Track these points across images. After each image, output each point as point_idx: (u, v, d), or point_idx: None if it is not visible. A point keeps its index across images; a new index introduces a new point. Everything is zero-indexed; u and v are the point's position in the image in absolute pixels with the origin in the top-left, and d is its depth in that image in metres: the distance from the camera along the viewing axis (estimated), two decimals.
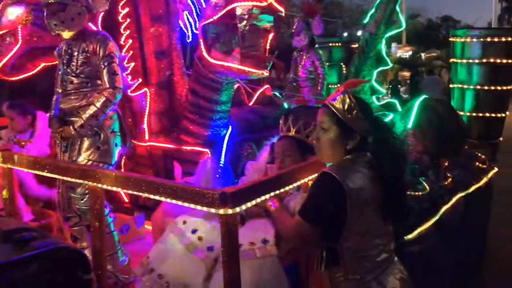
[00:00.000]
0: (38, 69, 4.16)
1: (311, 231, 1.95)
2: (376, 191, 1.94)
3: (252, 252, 2.26)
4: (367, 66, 5.82)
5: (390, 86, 15.28)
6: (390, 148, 2.01)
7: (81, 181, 2.51)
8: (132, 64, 4.19)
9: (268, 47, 3.88)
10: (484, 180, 4.37)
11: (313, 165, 2.29)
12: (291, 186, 2.27)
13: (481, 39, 4.99)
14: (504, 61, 4.95)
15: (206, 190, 1.96)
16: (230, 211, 1.89)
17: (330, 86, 7.08)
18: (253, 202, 2.03)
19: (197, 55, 3.89)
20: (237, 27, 3.60)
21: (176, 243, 2.48)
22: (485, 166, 4.55)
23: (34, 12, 3.87)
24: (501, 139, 5.31)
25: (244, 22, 3.57)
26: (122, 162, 4.31)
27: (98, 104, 3.05)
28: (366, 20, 5.87)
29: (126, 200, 4.39)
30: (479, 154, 4.71)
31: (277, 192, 2.17)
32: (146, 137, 4.30)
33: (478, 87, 5.07)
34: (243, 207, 1.97)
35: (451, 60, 5.39)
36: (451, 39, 5.30)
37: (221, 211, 1.89)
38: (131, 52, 4.19)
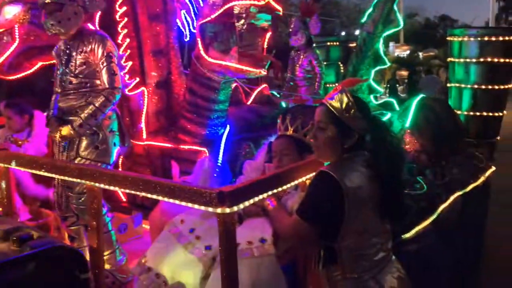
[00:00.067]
0: (35, 68, 4.14)
1: (308, 230, 1.96)
2: (373, 190, 1.94)
3: (249, 251, 2.25)
4: (365, 65, 5.83)
5: (388, 85, 15.30)
6: (387, 147, 2.01)
7: (78, 180, 2.51)
8: (130, 63, 4.19)
9: (265, 46, 3.88)
10: (482, 179, 4.37)
11: (311, 164, 2.29)
12: (289, 185, 2.27)
13: (479, 38, 5.00)
14: (502, 60, 4.96)
15: (203, 189, 1.96)
16: (227, 210, 1.89)
17: (327, 85, 7.08)
18: (251, 201, 2.03)
19: (195, 54, 3.89)
20: (234, 26, 3.60)
21: (174, 242, 2.48)
22: (482, 165, 4.55)
23: (32, 11, 3.85)
24: (498, 138, 5.32)
25: (242, 21, 3.57)
26: (120, 161, 4.30)
27: (97, 104, 3.05)
28: (364, 19, 5.88)
29: (124, 200, 4.38)
30: (477, 153, 4.72)
31: (275, 191, 2.17)
32: (144, 136, 4.29)
33: (476, 86, 5.08)
34: (241, 206, 1.97)
35: (449, 59, 5.40)
36: (448, 38, 5.31)
37: (219, 210, 1.89)
38: (128, 51, 4.18)
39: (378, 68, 6.00)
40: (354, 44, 6.80)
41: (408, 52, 24.57)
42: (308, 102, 5.64)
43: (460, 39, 5.12)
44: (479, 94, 5.09)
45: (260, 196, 2.08)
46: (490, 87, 5.05)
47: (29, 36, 4.00)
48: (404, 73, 17.79)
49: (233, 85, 4.31)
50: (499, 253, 4.72)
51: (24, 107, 4.23)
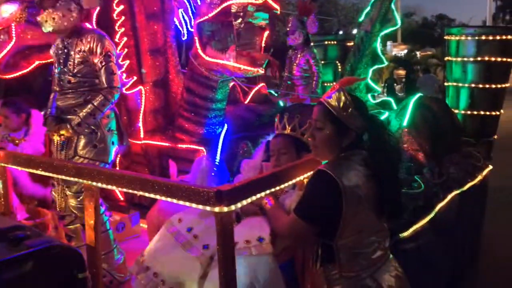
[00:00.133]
0: (32, 67, 4.13)
1: (306, 228, 1.96)
2: (371, 189, 1.94)
3: (247, 250, 2.25)
4: (363, 64, 5.83)
5: (386, 85, 15.33)
6: (385, 146, 2.01)
7: (76, 179, 2.50)
8: (127, 62, 4.18)
9: (263, 45, 3.87)
10: (479, 177, 4.39)
11: (309, 163, 2.29)
12: (286, 184, 2.27)
13: (476, 38, 5.01)
14: (499, 59, 4.98)
15: (201, 188, 1.96)
16: (225, 209, 1.89)
17: (325, 84, 7.09)
18: (249, 200, 2.02)
19: (192, 53, 3.88)
20: (232, 24, 3.60)
21: (172, 241, 2.47)
22: (479, 164, 4.57)
23: (28, 9, 3.84)
24: (495, 137, 5.34)
25: (239, 20, 3.56)
26: (117, 160, 4.30)
27: (96, 103, 3.04)
28: (361, 18, 5.88)
29: (121, 199, 4.38)
30: (474, 152, 4.73)
31: (273, 190, 2.17)
32: (141, 135, 4.28)
33: (473, 85, 5.10)
34: (239, 205, 1.97)
35: (446, 58, 5.41)
36: (446, 37, 5.32)
37: (217, 209, 1.89)
38: (126, 50, 4.18)
39: (376, 67, 5.99)
40: (351, 43, 6.81)
41: (405, 51, 24.63)
42: (305, 101, 5.64)
43: (457, 38, 5.13)
44: (476, 93, 5.11)
45: (258, 195, 2.08)
46: (487, 86, 5.07)
47: (26, 35, 3.99)
48: (402, 72, 17.82)
49: (231, 84, 4.30)
50: (496, 251, 4.73)
51: (21, 106, 4.22)
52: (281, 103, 5.30)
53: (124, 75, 4.15)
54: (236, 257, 1.98)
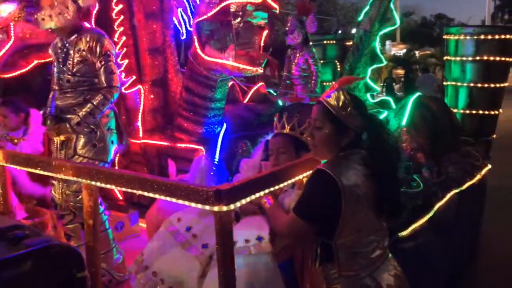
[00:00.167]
0: (31, 66, 4.13)
1: (305, 228, 1.96)
2: (370, 188, 1.94)
3: (246, 249, 2.25)
4: (362, 63, 5.83)
5: (385, 84, 15.33)
6: (384, 145, 2.01)
7: (75, 178, 2.50)
8: (126, 61, 4.18)
9: (262, 44, 3.87)
10: (478, 177, 4.39)
11: (308, 162, 2.29)
12: (285, 183, 2.27)
13: (475, 37, 5.01)
14: (497, 58, 4.98)
15: (200, 187, 1.95)
16: (224, 208, 1.89)
17: (324, 83, 7.09)
18: (248, 199, 2.02)
19: (191, 53, 3.88)
20: (231, 24, 3.59)
21: (171, 241, 2.47)
22: (478, 163, 4.57)
23: (27, 9, 3.84)
24: (494, 136, 5.34)
25: (238, 19, 3.56)
26: (116, 159, 4.29)
27: (95, 102, 3.04)
28: (360, 18, 5.88)
29: (120, 198, 4.37)
30: (473, 151, 4.73)
31: (272, 189, 2.17)
32: (140, 134, 4.28)
33: (472, 84, 5.10)
34: (238, 204, 1.97)
35: (445, 57, 5.41)
36: (445, 36, 5.33)
37: (216, 208, 1.89)
38: (125, 49, 4.17)
39: (374, 66, 6.00)
40: (350, 43, 6.80)
41: (404, 50, 24.64)
42: (304, 100, 5.64)
43: (456, 37, 5.13)
44: (475, 92, 5.11)
45: (257, 194, 2.08)
46: (486, 85, 5.07)
47: (25, 34, 3.99)
48: (401, 71, 17.83)
49: (230, 83, 4.30)
50: (494, 250, 4.74)
51: (20, 105, 4.21)
52: (280, 103, 5.30)
53: (123, 74, 4.15)
54: (235, 256, 1.98)
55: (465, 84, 5.14)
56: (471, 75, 5.08)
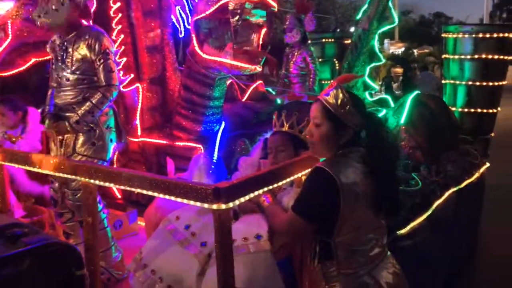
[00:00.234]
0: (28, 64, 4.12)
1: (304, 226, 1.96)
2: (369, 186, 1.94)
3: (245, 247, 2.25)
4: (360, 62, 5.83)
5: (383, 83, 15.34)
6: (382, 143, 2.01)
7: (73, 177, 2.50)
8: (124, 59, 4.17)
9: (261, 42, 3.86)
10: (476, 175, 4.40)
11: (306, 160, 2.29)
12: (284, 181, 2.27)
13: (473, 35, 5.02)
14: (496, 57, 4.99)
15: (199, 185, 1.95)
16: (223, 206, 1.89)
17: (323, 82, 7.10)
18: (246, 197, 2.02)
19: (190, 51, 3.87)
20: (229, 22, 3.58)
21: (170, 239, 2.47)
22: (477, 162, 4.58)
23: (25, 6, 3.83)
24: (492, 134, 5.35)
25: (237, 17, 3.55)
26: (115, 158, 4.29)
27: (94, 101, 3.04)
28: (359, 16, 5.88)
29: (119, 196, 4.37)
30: (471, 150, 4.74)
31: (270, 187, 2.17)
32: (139, 133, 4.28)
33: (470, 82, 5.11)
34: (236, 202, 1.97)
35: (443, 56, 5.42)
36: (443, 35, 5.33)
37: (214, 206, 1.89)
38: (123, 47, 4.16)
39: (373, 64, 6.00)
40: (349, 41, 6.81)
41: (403, 49, 24.63)
42: (303, 98, 5.64)
43: (454, 36, 5.14)
44: (474, 91, 5.12)
45: (256, 192, 2.08)
46: (484, 83, 5.08)
47: (23, 32, 3.98)
48: (399, 70, 17.82)
49: (228, 81, 4.30)
50: (493, 249, 4.74)
51: (18, 104, 4.21)
52: (279, 101, 5.30)
53: (121, 72, 4.14)
54: (234, 254, 1.98)
55: (463, 83, 5.14)
56: (469, 73, 5.09)
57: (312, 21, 6.77)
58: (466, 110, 5.17)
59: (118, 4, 4.11)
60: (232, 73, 3.93)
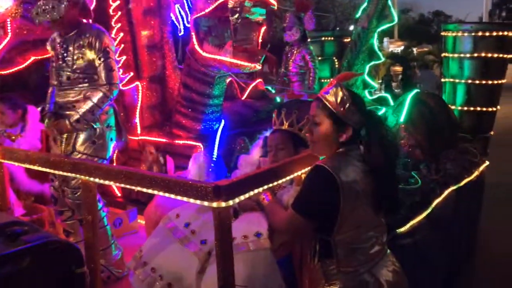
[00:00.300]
0: (28, 62, 4.12)
1: (304, 224, 1.96)
2: (369, 184, 1.94)
3: (245, 245, 2.25)
4: (360, 60, 5.84)
5: (383, 81, 15.31)
6: (382, 141, 2.01)
7: (73, 175, 2.50)
8: (124, 57, 4.17)
9: (260, 40, 3.86)
10: (476, 173, 4.40)
11: (306, 158, 2.29)
12: (284, 180, 2.27)
13: (473, 34, 5.02)
14: (495, 55, 4.98)
15: (199, 183, 1.95)
16: (223, 204, 1.89)
17: (322, 80, 7.09)
18: (246, 195, 2.02)
19: (189, 49, 3.87)
20: (229, 20, 3.58)
21: (169, 237, 2.47)
22: (476, 160, 4.58)
23: (24, 5, 3.82)
24: (492, 133, 5.35)
25: (236, 15, 3.55)
26: (114, 156, 4.29)
27: (95, 99, 3.03)
28: (358, 15, 5.88)
29: (119, 195, 4.37)
30: (471, 148, 4.74)
31: (270, 185, 2.17)
32: (139, 131, 4.28)
33: (470, 81, 5.11)
34: (236, 200, 1.97)
35: (443, 54, 5.42)
36: (442, 33, 5.33)
37: (214, 204, 1.89)
38: (122, 45, 4.16)
39: (372, 63, 6.01)
40: (348, 39, 6.80)
41: (402, 47, 24.59)
42: (303, 97, 5.64)
43: (454, 34, 5.14)
44: (473, 89, 5.12)
45: (256, 190, 2.08)
46: (484, 82, 5.07)
47: (22, 30, 3.97)
48: (398, 68, 17.78)
49: (228, 79, 4.29)
50: (492, 247, 4.75)
51: (17, 102, 4.20)
52: (278, 99, 5.30)
53: (121, 71, 4.14)
54: (234, 252, 1.98)
55: (463, 81, 5.14)
56: (469, 71, 5.09)
57: (312, 20, 6.76)
58: (465, 108, 5.17)
59: (118, 2, 4.11)
60: (232, 71, 3.93)
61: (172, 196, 2.03)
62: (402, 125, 4.05)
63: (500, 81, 5.16)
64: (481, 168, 4.59)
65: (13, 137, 4.00)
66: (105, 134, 3.14)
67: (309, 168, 2.09)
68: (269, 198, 2.27)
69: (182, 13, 4.46)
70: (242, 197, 1.99)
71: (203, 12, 3.62)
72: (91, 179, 2.38)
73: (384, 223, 2.06)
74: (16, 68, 4.08)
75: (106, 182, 2.35)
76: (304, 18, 6.62)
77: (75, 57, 3.06)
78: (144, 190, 2.14)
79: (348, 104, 1.98)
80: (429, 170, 3.79)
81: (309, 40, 6.84)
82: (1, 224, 2.00)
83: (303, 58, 6.63)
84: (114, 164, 4.21)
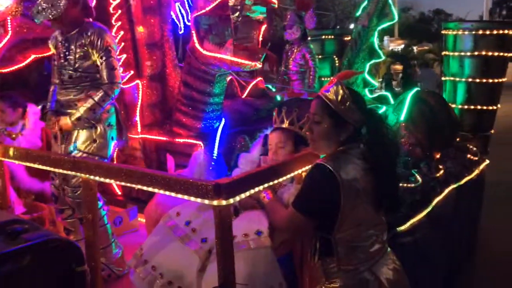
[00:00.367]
0: (28, 61, 4.11)
1: (304, 222, 1.96)
2: (369, 182, 1.94)
3: (246, 244, 2.25)
4: (360, 58, 5.83)
5: (383, 79, 15.31)
6: (383, 139, 2.01)
7: (73, 173, 2.50)
8: (124, 56, 4.16)
9: (261, 39, 3.86)
10: (476, 172, 4.40)
11: (307, 157, 2.29)
12: (284, 178, 2.27)
13: (473, 32, 5.01)
14: (496, 53, 4.98)
15: (199, 182, 1.95)
16: (224, 203, 1.89)
17: (322, 78, 7.09)
18: (247, 194, 2.02)
19: (190, 47, 3.87)
20: (229, 18, 3.58)
21: (170, 235, 2.47)
22: (476, 158, 4.58)
23: (24, 3, 3.82)
24: (492, 131, 5.35)
25: (237, 13, 3.55)
26: (115, 154, 4.29)
27: (96, 98, 3.03)
28: (358, 13, 5.87)
29: (119, 193, 4.37)
30: (471, 147, 4.75)
31: (271, 183, 2.17)
32: (139, 129, 4.27)
33: (470, 79, 5.11)
34: (237, 198, 1.97)
35: (443, 53, 5.42)
36: (443, 32, 5.32)
37: (215, 203, 1.89)
38: (122, 43, 4.16)
39: (373, 61, 6.00)
40: (349, 38, 6.80)
41: (402, 46, 24.58)
42: (303, 95, 5.64)
43: (454, 32, 5.13)
44: (474, 88, 5.12)
45: (256, 189, 2.08)
46: (484, 80, 5.07)
47: (22, 29, 3.97)
48: (399, 67, 17.77)
49: (228, 78, 4.29)
50: (492, 246, 4.75)
51: (17, 100, 4.20)
52: (279, 98, 5.29)
53: (121, 69, 4.13)
54: (234, 250, 1.98)
55: (463, 79, 5.14)
56: (469, 70, 5.09)
57: (313, 18, 6.75)
58: (466, 107, 5.17)
59: (118, 0, 4.10)
60: (232, 70, 3.93)
61: (173, 194, 2.03)
62: (403, 123, 4.05)
63: (500, 80, 5.16)
64: (482, 166, 4.59)
65: (14, 136, 4.01)
66: (106, 133, 3.14)
67: (309, 166, 2.09)
68: (269, 196, 2.27)
69: (183, 11, 4.46)
70: (242, 195, 1.99)
71: (203, 10, 3.62)
72: (91, 177, 2.38)
73: (384, 221, 2.06)
74: (16, 67, 4.07)
75: (107, 180, 2.35)
76: (305, 17, 6.62)
77: (77, 56, 3.05)
78: (145, 188, 2.14)
79: (348, 103, 1.98)
80: (429, 169, 3.80)
81: (309, 38, 6.83)
82: (1, 222, 2.00)
83: (303, 56, 6.62)
84: (114, 162, 4.21)
